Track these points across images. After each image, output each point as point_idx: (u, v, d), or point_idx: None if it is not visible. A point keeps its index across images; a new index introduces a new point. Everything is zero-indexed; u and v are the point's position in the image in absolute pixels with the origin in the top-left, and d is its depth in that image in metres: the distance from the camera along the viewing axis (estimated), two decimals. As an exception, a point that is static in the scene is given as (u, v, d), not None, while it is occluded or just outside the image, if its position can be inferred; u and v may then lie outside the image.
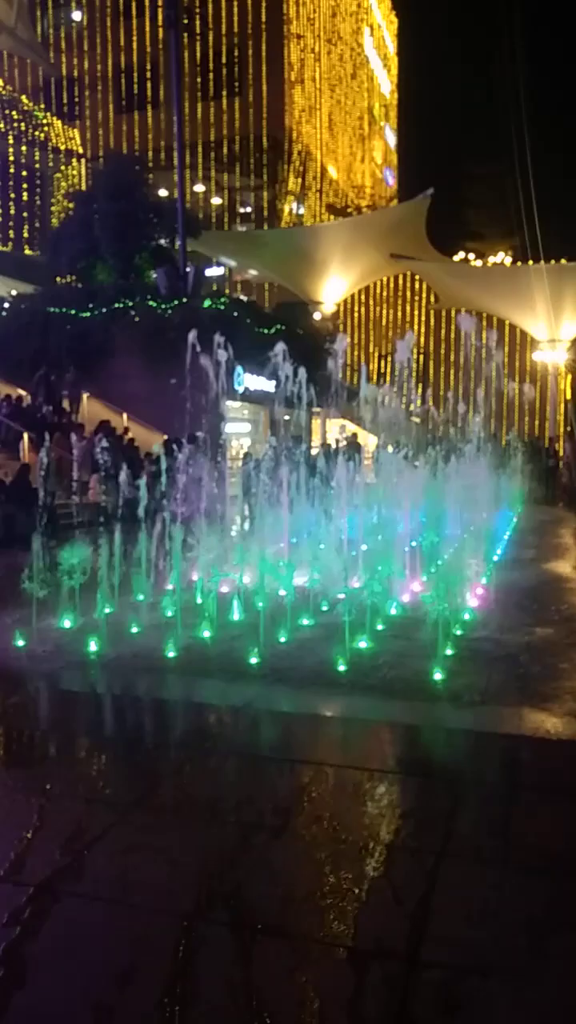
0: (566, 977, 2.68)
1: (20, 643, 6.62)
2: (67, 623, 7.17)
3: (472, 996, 2.56)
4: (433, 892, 3.13)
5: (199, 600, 7.78)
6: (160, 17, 36.48)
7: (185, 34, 34.34)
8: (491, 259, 39.33)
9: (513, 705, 5.31)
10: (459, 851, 3.46)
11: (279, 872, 3.31)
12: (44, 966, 2.72)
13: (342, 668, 5.96)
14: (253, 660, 6.09)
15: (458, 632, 6.84)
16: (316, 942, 2.83)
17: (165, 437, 19.28)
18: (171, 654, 6.33)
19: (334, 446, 24.38)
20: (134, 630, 7.03)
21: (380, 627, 7.07)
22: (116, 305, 22.00)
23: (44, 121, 33.38)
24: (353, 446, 25.70)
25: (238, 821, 3.73)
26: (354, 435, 27.35)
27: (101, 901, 3.10)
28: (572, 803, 4.03)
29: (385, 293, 47.04)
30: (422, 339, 44.54)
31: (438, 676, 5.74)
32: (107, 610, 7.14)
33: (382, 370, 43.74)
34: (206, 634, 6.86)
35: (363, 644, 6.52)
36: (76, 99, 43.26)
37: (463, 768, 4.46)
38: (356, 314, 46.48)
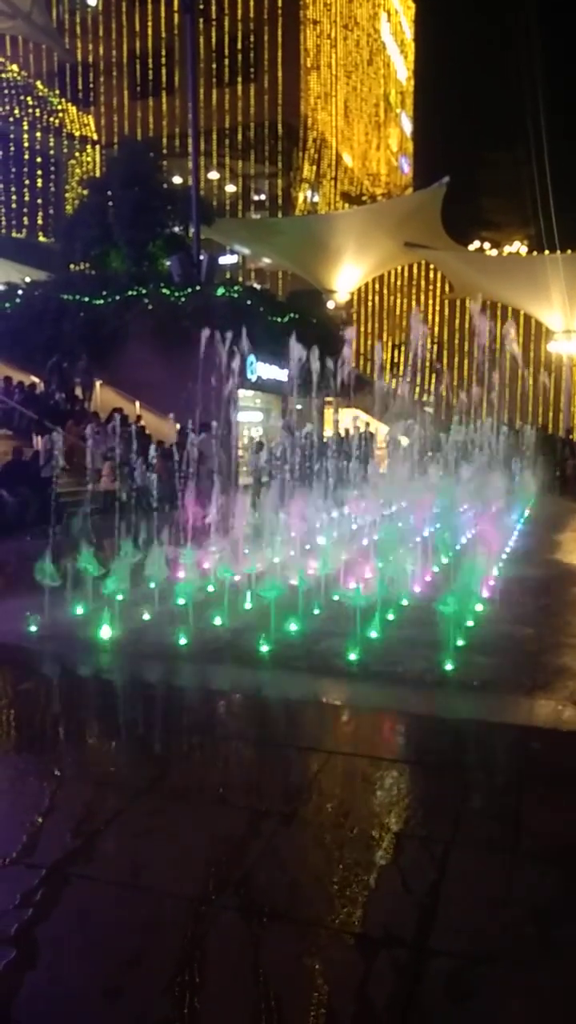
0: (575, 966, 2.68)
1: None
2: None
3: (481, 984, 2.57)
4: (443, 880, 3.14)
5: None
6: (175, 2, 36.27)
7: (200, 19, 34.14)
8: (507, 248, 39.04)
9: (522, 695, 5.31)
10: (468, 839, 3.47)
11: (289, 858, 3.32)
12: (56, 948, 2.75)
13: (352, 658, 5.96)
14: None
15: (469, 623, 6.83)
16: (325, 928, 2.84)
17: (177, 425, 19.29)
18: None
19: (345, 435, 24.35)
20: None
21: (390, 617, 7.07)
22: (129, 293, 21.97)
23: (59, 107, 33.29)
24: (365, 436, 25.61)
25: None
26: (366, 425, 27.29)
27: (113, 884, 3.13)
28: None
29: (399, 282, 46.80)
30: (436, 329, 44.30)
31: (448, 666, 5.74)
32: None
33: (395, 360, 43.56)
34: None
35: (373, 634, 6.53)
36: (91, 85, 43.12)
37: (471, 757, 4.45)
38: (370, 303, 46.29)
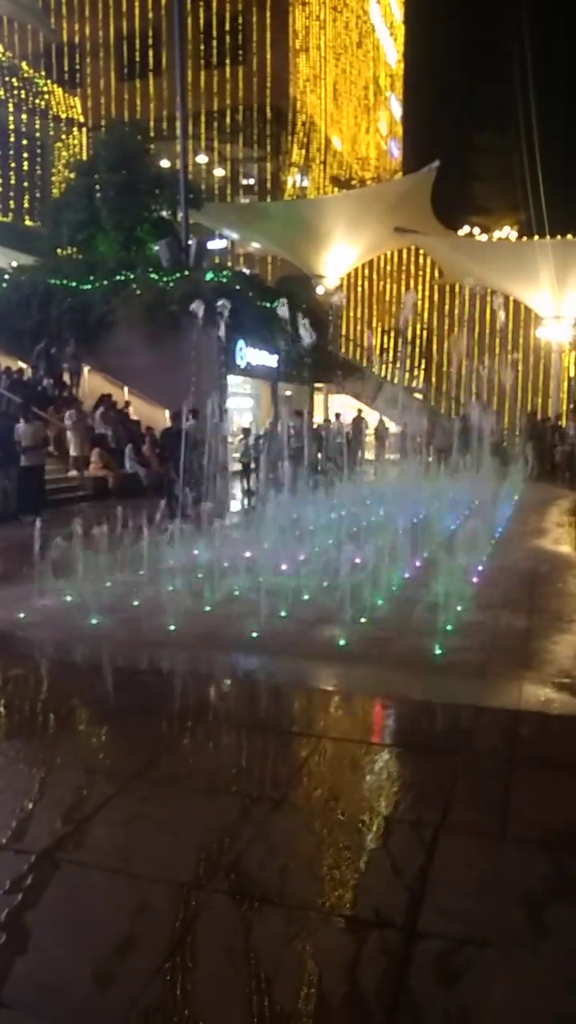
0: (562, 949, 2.71)
1: None
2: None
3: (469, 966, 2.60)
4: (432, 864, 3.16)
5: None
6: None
7: (188, 0, 33.70)
8: (496, 234, 38.92)
9: (512, 679, 5.34)
10: (457, 824, 3.49)
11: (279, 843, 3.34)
12: (47, 933, 2.76)
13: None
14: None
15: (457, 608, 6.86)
16: (315, 911, 2.86)
17: (167, 412, 19.20)
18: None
19: (334, 424, 24.32)
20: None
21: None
22: (117, 277, 21.79)
23: (44, 88, 32.83)
24: (358, 422, 25.54)
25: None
26: (359, 412, 27.24)
27: (102, 870, 3.13)
28: (569, 777, 4.05)
29: (389, 267, 46.56)
30: (425, 314, 44.18)
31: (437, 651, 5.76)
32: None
33: (385, 345, 43.45)
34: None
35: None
36: (77, 66, 42.53)
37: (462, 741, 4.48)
38: (359, 288, 46.05)
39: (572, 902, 2.95)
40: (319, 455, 23.18)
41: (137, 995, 2.45)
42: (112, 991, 2.50)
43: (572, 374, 38.86)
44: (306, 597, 7.28)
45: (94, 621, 6.54)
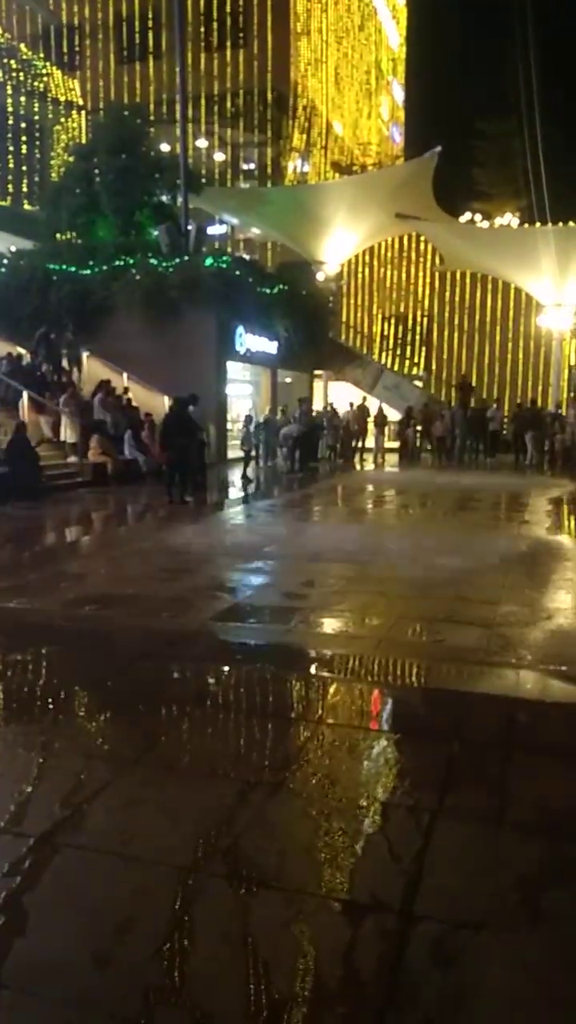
0: (559, 932, 2.73)
1: None
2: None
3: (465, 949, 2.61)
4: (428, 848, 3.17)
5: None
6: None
7: (189, -19, 33.29)
8: (498, 220, 38.70)
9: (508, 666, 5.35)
10: (454, 809, 3.50)
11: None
12: (45, 915, 2.77)
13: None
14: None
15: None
16: (312, 895, 2.88)
17: (166, 398, 19.19)
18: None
19: (345, 413, 24.31)
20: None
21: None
22: (117, 262, 21.68)
23: (43, 71, 32.52)
24: (362, 411, 25.48)
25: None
26: (364, 399, 27.18)
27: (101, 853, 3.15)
28: (566, 764, 4.07)
29: (390, 254, 46.26)
30: (426, 301, 43.97)
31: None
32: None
33: (385, 333, 43.35)
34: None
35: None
36: (76, 48, 42.12)
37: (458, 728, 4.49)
38: (360, 275, 45.80)
39: (568, 886, 2.97)
40: (319, 443, 23.12)
41: (136, 976, 2.47)
42: (111, 972, 2.52)
43: (573, 362, 38.71)
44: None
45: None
